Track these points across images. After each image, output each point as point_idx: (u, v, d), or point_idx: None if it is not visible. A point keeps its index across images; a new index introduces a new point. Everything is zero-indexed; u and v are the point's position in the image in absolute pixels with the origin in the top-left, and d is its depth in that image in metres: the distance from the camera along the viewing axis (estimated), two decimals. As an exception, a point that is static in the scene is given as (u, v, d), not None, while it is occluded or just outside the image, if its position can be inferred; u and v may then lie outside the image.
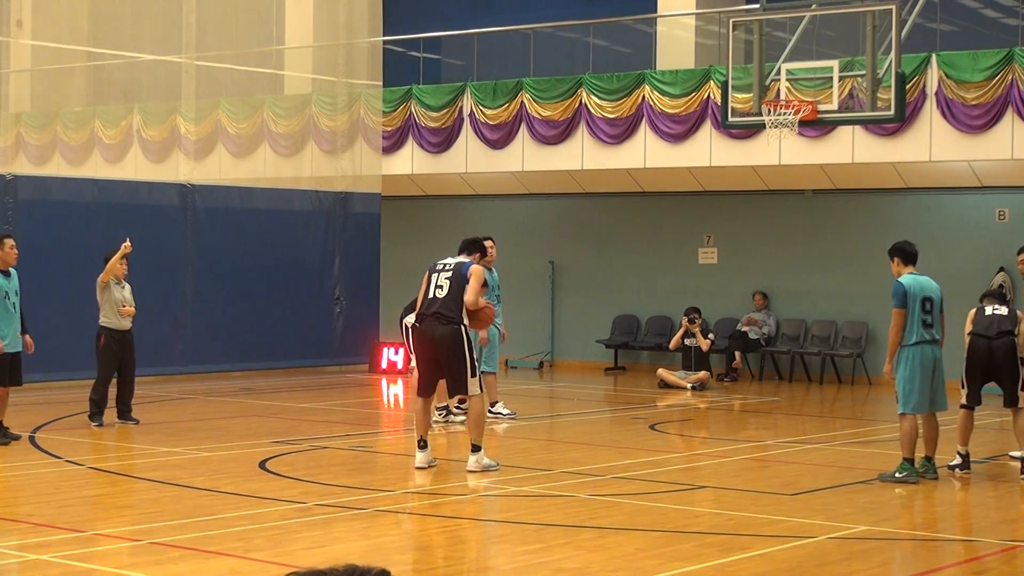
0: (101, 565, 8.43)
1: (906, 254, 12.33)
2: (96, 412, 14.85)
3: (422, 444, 11.95)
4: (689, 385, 20.08)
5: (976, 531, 9.70)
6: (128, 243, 14.84)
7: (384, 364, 22.17)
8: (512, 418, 15.84)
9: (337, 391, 19.64)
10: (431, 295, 11.90)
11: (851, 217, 21.62)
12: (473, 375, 11.76)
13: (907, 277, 12.17)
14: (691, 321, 20.72)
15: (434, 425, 14.72)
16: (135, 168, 24.79)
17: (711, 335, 20.93)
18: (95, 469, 12.43)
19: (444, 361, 11.78)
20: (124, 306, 14.90)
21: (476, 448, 11.82)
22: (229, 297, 21.18)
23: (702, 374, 20.36)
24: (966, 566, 8.72)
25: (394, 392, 20.22)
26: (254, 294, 21.47)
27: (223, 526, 9.76)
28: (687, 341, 20.73)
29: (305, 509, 10.29)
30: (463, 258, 12.25)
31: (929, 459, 12.07)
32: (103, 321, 14.91)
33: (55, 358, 18.68)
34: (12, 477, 11.70)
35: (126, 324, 14.97)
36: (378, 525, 9.78)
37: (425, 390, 12.03)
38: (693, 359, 20.58)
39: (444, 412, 15.16)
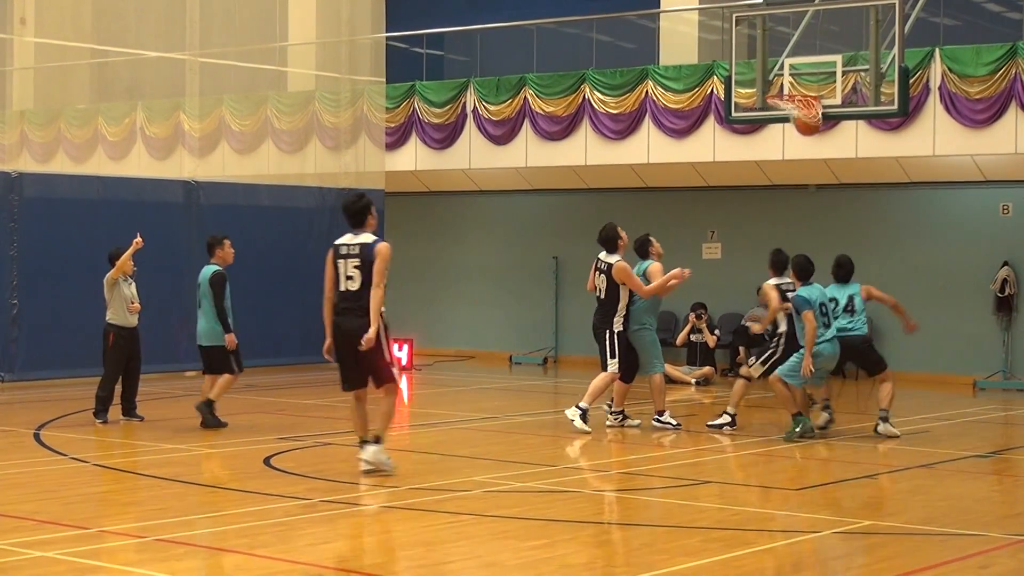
0: (107, 562, 8.43)
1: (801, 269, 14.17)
2: (101, 409, 14.86)
3: (363, 444, 11.48)
4: (693, 380, 20.08)
5: (981, 525, 9.69)
6: (140, 239, 14.86)
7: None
8: (678, 429, 14.85)
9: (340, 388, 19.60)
10: (343, 288, 11.28)
11: (855, 212, 21.60)
12: (393, 365, 11.44)
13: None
14: (698, 317, 20.72)
15: (607, 430, 14.68)
16: (139, 165, 24.81)
17: (717, 331, 20.92)
18: (100, 466, 12.44)
19: (364, 354, 11.26)
20: (133, 303, 14.93)
21: (378, 440, 11.37)
22: (234, 294, 20.95)
23: (706, 369, 20.35)
24: (971, 560, 8.71)
25: (398, 388, 20.21)
26: (258, 290, 21.43)
27: (228, 523, 9.76)
28: (693, 337, 20.73)
29: (310, 505, 10.29)
30: (365, 237, 11.37)
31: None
32: (111, 318, 14.91)
33: (59, 355, 18.72)
34: (17, 474, 11.71)
35: (133, 321, 14.98)
36: (382, 521, 9.79)
37: (349, 384, 11.56)
38: (699, 355, 20.58)
39: (620, 416, 14.98)
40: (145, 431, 14.48)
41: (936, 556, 8.81)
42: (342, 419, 15.76)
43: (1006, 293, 20.24)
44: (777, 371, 14.04)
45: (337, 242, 11.51)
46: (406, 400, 19.07)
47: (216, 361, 14.64)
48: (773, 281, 14.57)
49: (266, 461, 12.30)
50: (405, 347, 21.99)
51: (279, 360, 21.70)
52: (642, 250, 15.21)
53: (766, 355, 14.49)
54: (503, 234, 24.94)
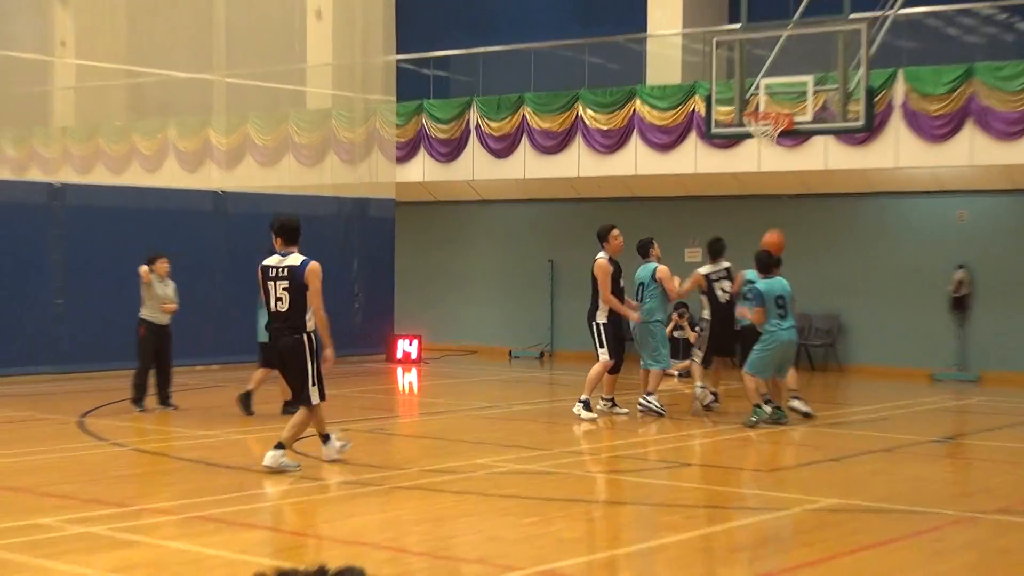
0: (146, 537, 8.54)
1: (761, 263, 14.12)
2: (139, 398, 14.98)
3: (325, 439, 11.29)
4: (676, 372, 20.18)
5: (936, 504, 9.81)
6: (144, 268, 14.98)
7: (400, 354, 22.31)
8: (662, 416, 14.80)
9: (356, 379, 19.73)
10: (273, 308, 10.82)
11: (824, 219, 21.69)
12: (314, 384, 10.84)
13: (762, 282, 14.00)
14: (680, 315, 20.83)
15: (598, 416, 14.68)
16: (171, 177, 24.91)
17: (697, 327, 21.01)
18: (138, 450, 12.57)
19: (287, 371, 11.10)
20: (165, 303, 15.05)
21: (280, 445, 10.85)
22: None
23: (687, 362, 20.45)
24: (927, 535, 8.82)
25: (408, 380, 20.34)
26: (280, 291, 21.52)
27: (254, 502, 9.88)
28: (676, 333, 20.84)
29: (329, 486, 10.41)
30: (293, 259, 10.92)
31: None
32: (143, 314, 15.05)
33: (100, 349, 18.85)
34: (63, 458, 11.83)
35: (164, 319, 15.09)
36: (394, 500, 9.88)
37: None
38: (680, 349, 20.69)
39: (610, 403, 15.06)
40: (179, 419, 14.59)
41: (896, 531, 8.93)
42: (357, 407, 15.92)
43: (961, 293, 20.36)
44: (744, 368, 14.27)
45: (265, 263, 10.96)
46: (416, 390, 19.19)
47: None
48: (704, 270, 15.35)
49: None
50: (415, 342, 22.15)
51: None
52: (643, 251, 15.44)
53: (697, 343, 15.66)
54: (503, 240, 25.04)
